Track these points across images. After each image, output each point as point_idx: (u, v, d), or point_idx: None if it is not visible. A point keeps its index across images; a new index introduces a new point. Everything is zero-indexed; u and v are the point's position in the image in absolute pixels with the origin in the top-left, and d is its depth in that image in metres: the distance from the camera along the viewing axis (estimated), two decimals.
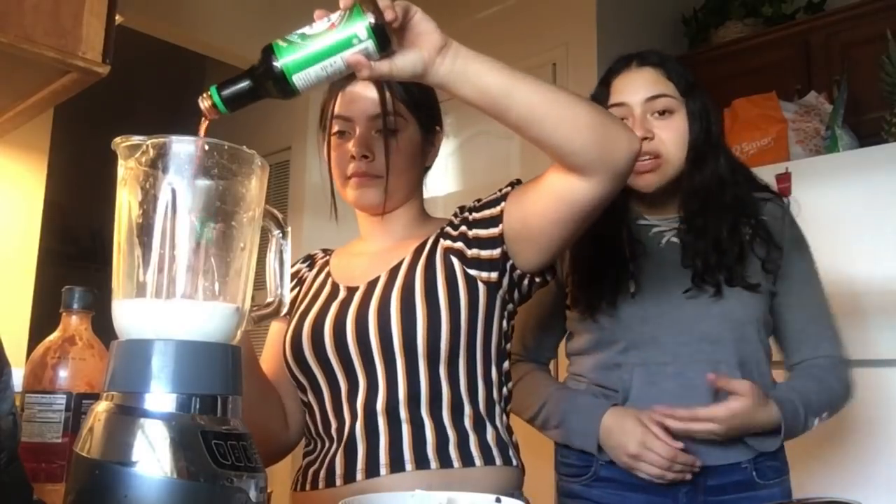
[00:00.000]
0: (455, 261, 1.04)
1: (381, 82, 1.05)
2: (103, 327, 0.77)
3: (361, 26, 0.77)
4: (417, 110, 1.09)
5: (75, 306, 0.95)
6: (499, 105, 0.87)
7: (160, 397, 0.56)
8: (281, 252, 0.76)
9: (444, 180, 3.15)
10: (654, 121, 1.23)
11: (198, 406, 0.57)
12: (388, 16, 0.77)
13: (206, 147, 0.62)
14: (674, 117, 1.23)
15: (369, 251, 1.14)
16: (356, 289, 1.07)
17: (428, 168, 1.17)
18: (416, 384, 0.99)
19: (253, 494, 0.57)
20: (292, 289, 1.17)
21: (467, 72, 0.85)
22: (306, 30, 0.81)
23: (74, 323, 0.95)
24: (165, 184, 0.61)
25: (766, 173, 2.36)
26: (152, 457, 0.54)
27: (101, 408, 0.58)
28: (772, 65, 2.91)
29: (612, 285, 1.24)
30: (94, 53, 1.24)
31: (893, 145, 2.33)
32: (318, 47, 0.79)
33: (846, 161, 2.34)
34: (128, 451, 0.54)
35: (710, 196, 1.23)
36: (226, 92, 0.80)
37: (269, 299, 0.76)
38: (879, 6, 2.69)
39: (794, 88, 2.77)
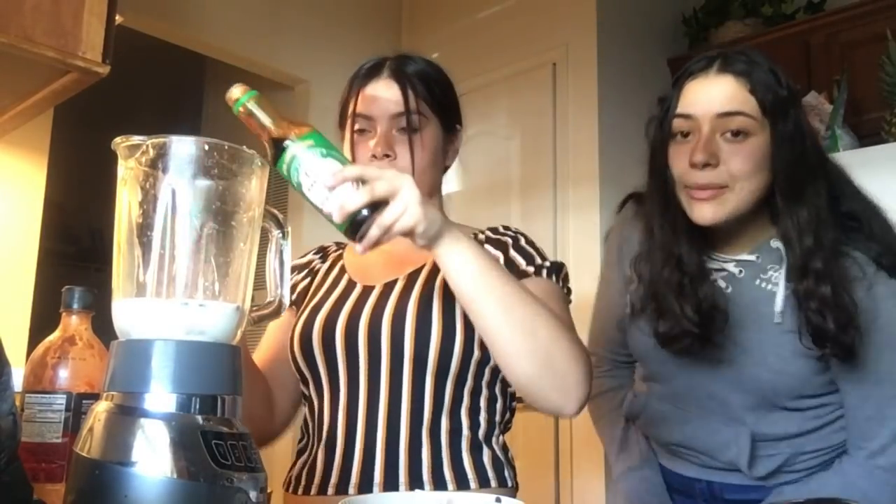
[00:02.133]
0: None
1: (403, 80, 1.05)
2: (103, 327, 0.77)
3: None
4: (439, 109, 1.08)
5: (75, 306, 0.95)
6: (467, 307, 0.90)
7: (160, 397, 0.56)
8: (281, 252, 0.76)
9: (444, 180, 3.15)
10: (723, 143, 1.02)
11: (198, 406, 0.57)
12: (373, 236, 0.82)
13: (206, 147, 0.62)
14: (749, 141, 1.01)
15: (385, 248, 1.12)
16: (372, 288, 1.06)
17: (447, 167, 1.16)
18: (419, 400, 0.99)
19: (253, 494, 0.57)
20: (303, 279, 1.16)
21: (448, 265, 0.88)
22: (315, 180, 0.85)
23: (74, 323, 0.95)
24: (165, 184, 0.61)
25: None
26: (152, 457, 0.54)
27: (101, 408, 0.58)
28: None
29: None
30: (94, 53, 1.24)
31: (893, 145, 2.33)
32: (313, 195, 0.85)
33: (846, 161, 2.31)
34: (128, 451, 0.54)
35: (815, 237, 1.02)
36: (251, 106, 0.84)
37: (269, 299, 0.76)
38: (879, 6, 2.69)
39: None
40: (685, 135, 1.05)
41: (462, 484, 0.97)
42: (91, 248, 4.51)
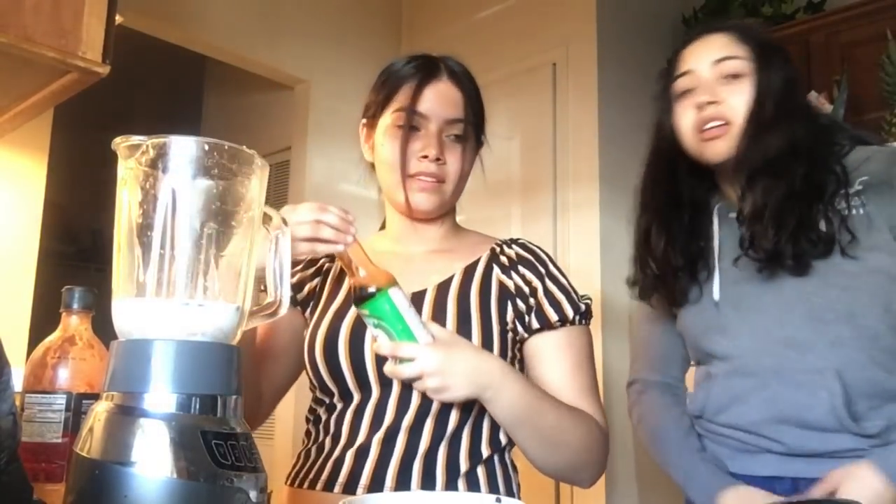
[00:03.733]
0: (510, 304, 1.04)
1: (464, 86, 1.06)
2: (103, 327, 0.77)
3: None
4: (477, 122, 1.10)
5: (75, 306, 0.95)
6: (501, 424, 0.98)
7: (160, 397, 0.56)
8: (281, 252, 0.76)
9: None
10: (722, 86, 1.12)
11: (198, 406, 0.57)
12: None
13: (206, 147, 0.62)
14: (744, 80, 1.12)
15: (402, 253, 1.10)
16: None
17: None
18: (443, 425, 0.98)
19: (253, 494, 0.57)
20: (312, 276, 1.13)
21: (490, 408, 0.95)
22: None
23: (74, 323, 0.95)
24: (165, 184, 0.61)
25: None
26: (152, 457, 0.54)
27: (101, 408, 0.58)
28: None
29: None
30: (94, 53, 1.24)
31: (893, 145, 2.33)
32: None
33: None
34: (128, 451, 0.54)
35: (769, 169, 1.09)
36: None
37: (269, 299, 0.76)
38: (879, 6, 2.69)
39: None
40: (684, 93, 1.15)
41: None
42: (91, 248, 4.51)
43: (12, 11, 1.16)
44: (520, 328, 1.04)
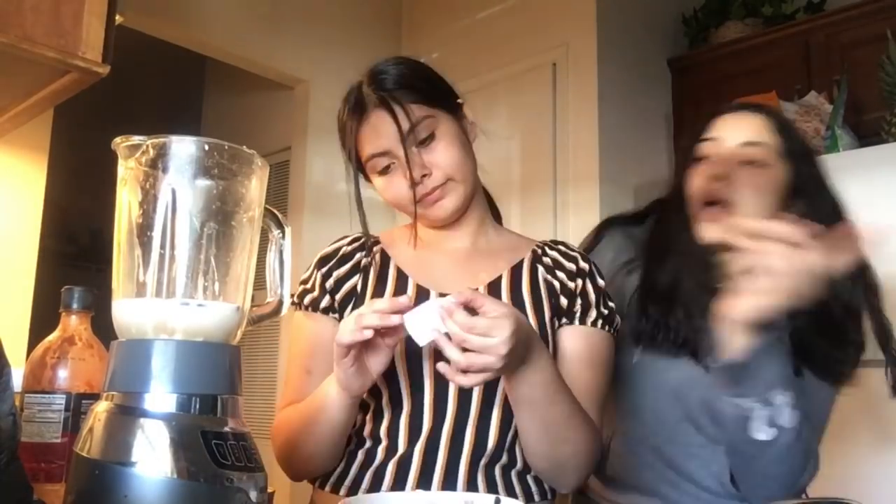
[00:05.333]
0: (556, 302, 1.03)
1: (387, 103, 0.98)
2: (103, 327, 0.77)
3: None
4: (435, 99, 1.01)
5: (75, 306, 0.95)
6: (513, 408, 0.94)
7: (160, 397, 0.56)
8: (281, 252, 0.75)
9: None
10: (740, 169, 1.07)
11: (198, 406, 0.57)
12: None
13: (206, 147, 0.62)
14: (765, 170, 1.07)
15: (443, 249, 1.07)
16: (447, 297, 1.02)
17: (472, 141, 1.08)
18: (485, 431, 0.96)
19: (253, 494, 0.57)
20: (347, 274, 1.05)
21: (512, 389, 0.91)
22: None
23: (74, 323, 0.95)
24: (165, 184, 0.61)
25: None
26: (152, 457, 0.54)
27: (101, 408, 0.58)
28: (772, 65, 2.91)
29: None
30: (94, 53, 1.24)
31: (893, 145, 2.33)
32: None
33: (846, 161, 2.34)
34: (128, 451, 0.54)
35: None
36: None
37: (269, 299, 0.76)
38: (879, 6, 2.69)
39: (794, 88, 2.78)
40: (704, 159, 1.11)
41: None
42: (91, 248, 4.51)
43: (12, 11, 1.16)
44: (557, 323, 1.03)
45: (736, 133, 1.10)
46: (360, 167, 1.04)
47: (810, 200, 1.09)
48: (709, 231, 1.07)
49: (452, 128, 1.02)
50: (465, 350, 0.81)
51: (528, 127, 3.08)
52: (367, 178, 1.06)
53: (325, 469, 0.99)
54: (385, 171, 1.00)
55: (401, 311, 0.82)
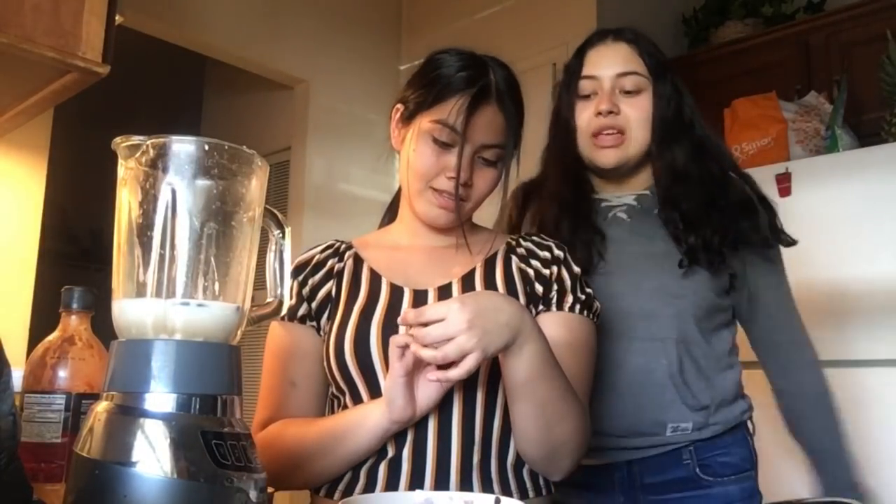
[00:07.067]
0: (530, 290, 1.03)
1: (506, 108, 1.06)
2: (103, 327, 0.77)
3: None
4: (516, 142, 1.08)
5: (75, 306, 0.95)
6: (507, 391, 0.93)
7: (160, 397, 0.56)
8: (281, 252, 0.75)
9: None
10: (621, 97, 1.24)
11: (198, 406, 0.57)
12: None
13: (206, 147, 0.62)
14: (641, 96, 1.24)
15: (422, 247, 1.08)
16: (424, 293, 1.01)
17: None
18: (470, 417, 0.96)
19: (253, 494, 0.57)
20: (322, 280, 1.06)
21: (504, 367, 0.91)
22: None
23: (74, 323, 0.95)
24: (165, 184, 0.61)
25: (766, 173, 2.36)
26: (152, 457, 0.54)
27: (101, 408, 0.58)
28: (772, 65, 2.91)
29: (587, 256, 1.23)
30: (94, 53, 1.24)
31: (893, 145, 2.33)
32: None
33: (846, 161, 2.34)
34: (128, 451, 0.54)
35: (680, 174, 1.24)
36: None
37: (269, 299, 0.76)
38: (879, 6, 2.69)
39: (794, 88, 2.78)
40: (587, 96, 1.26)
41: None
42: (91, 248, 4.51)
43: (12, 11, 1.16)
44: (533, 311, 1.02)
45: (610, 67, 1.25)
46: (414, 113, 1.04)
47: (677, 105, 1.26)
48: (609, 156, 1.24)
49: (501, 169, 1.07)
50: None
51: (528, 127, 3.07)
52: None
53: (327, 482, 0.99)
54: (448, 146, 1.01)
55: (407, 324, 0.86)
